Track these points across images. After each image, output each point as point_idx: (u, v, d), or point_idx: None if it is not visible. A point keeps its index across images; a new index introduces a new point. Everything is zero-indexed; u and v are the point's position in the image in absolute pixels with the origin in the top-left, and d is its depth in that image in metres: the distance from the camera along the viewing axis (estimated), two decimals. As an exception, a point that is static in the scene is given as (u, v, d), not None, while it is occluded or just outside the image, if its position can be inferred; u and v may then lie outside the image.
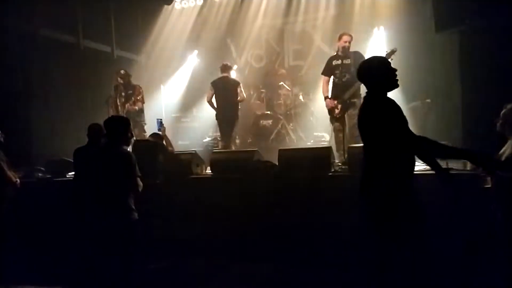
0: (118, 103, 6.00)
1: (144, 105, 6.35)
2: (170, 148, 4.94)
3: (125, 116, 6.04)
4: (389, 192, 2.37)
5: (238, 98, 6.18)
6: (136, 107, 6.16)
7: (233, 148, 6.20)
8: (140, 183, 3.14)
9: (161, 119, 5.24)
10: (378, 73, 2.52)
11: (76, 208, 3.72)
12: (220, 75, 6.30)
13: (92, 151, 3.72)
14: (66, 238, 4.07)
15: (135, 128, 6.06)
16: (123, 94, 6.15)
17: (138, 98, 6.17)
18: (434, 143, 2.39)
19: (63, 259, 3.91)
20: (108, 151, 3.11)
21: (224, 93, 6.19)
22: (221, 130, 6.39)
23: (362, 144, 2.60)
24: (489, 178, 2.89)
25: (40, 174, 5.13)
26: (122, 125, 3.17)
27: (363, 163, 2.58)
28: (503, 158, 2.70)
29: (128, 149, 3.28)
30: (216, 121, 6.35)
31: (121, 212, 3.04)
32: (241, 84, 6.27)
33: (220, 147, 7.08)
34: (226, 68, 6.34)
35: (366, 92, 2.61)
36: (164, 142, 4.98)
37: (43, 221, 4.54)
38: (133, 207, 3.11)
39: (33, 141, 6.13)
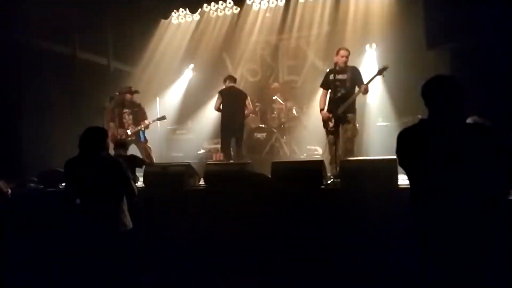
0: (123, 119, 6.16)
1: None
2: (147, 160, 5.05)
3: (129, 131, 6.13)
4: None
5: (246, 110, 6.33)
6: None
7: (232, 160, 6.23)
8: (135, 187, 3.13)
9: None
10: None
11: (66, 219, 3.70)
12: (225, 85, 6.42)
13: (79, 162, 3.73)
14: (58, 249, 4.03)
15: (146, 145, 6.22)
16: (126, 110, 6.23)
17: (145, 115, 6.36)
18: None
19: (54, 271, 3.86)
20: (95, 159, 3.07)
21: (232, 103, 6.27)
22: (223, 141, 6.39)
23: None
24: None
25: (32, 185, 5.11)
26: (99, 134, 3.16)
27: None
28: None
29: None
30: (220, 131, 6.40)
31: (110, 223, 3.00)
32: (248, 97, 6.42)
33: (214, 158, 7.10)
34: (232, 78, 6.48)
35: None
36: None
37: (34, 232, 4.49)
38: (123, 218, 3.06)
39: (26, 152, 6.10)
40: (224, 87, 6.44)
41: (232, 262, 4.08)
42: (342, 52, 5.15)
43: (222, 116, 6.31)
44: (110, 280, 3.02)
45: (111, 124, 6.19)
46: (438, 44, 5.89)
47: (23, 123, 6.22)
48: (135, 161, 4.96)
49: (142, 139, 5.70)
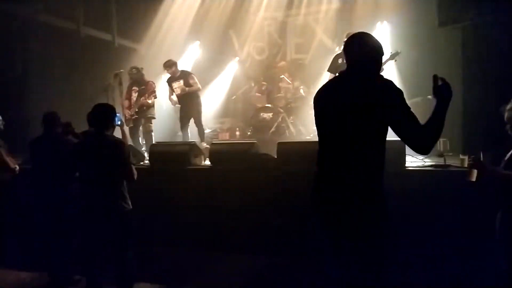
0: (131, 97, 6.28)
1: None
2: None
3: (136, 108, 6.21)
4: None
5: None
6: (149, 101, 6.30)
7: None
8: (134, 171, 3.11)
9: (119, 114, 5.72)
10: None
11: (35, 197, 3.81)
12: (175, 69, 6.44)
13: (49, 140, 3.74)
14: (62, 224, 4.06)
15: (146, 123, 6.33)
16: (135, 88, 6.34)
17: (152, 93, 6.32)
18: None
19: (58, 246, 3.89)
20: (101, 139, 3.04)
21: None
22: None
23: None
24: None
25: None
26: (111, 112, 3.13)
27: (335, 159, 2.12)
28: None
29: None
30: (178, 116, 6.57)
31: (115, 201, 3.00)
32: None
33: (220, 138, 7.08)
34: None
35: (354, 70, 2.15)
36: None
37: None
38: (127, 196, 3.08)
39: (32, 127, 6.09)
40: (171, 71, 6.40)
41: (236, 241, 4.11)
42: None
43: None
44: (117, 257, 3.05)
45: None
46: (449, 22, 5.71)
47: (29, 99, 6.20)
48: None
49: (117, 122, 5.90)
